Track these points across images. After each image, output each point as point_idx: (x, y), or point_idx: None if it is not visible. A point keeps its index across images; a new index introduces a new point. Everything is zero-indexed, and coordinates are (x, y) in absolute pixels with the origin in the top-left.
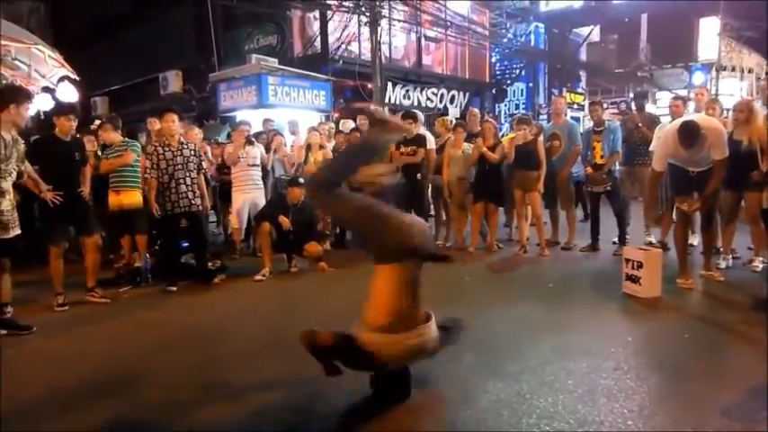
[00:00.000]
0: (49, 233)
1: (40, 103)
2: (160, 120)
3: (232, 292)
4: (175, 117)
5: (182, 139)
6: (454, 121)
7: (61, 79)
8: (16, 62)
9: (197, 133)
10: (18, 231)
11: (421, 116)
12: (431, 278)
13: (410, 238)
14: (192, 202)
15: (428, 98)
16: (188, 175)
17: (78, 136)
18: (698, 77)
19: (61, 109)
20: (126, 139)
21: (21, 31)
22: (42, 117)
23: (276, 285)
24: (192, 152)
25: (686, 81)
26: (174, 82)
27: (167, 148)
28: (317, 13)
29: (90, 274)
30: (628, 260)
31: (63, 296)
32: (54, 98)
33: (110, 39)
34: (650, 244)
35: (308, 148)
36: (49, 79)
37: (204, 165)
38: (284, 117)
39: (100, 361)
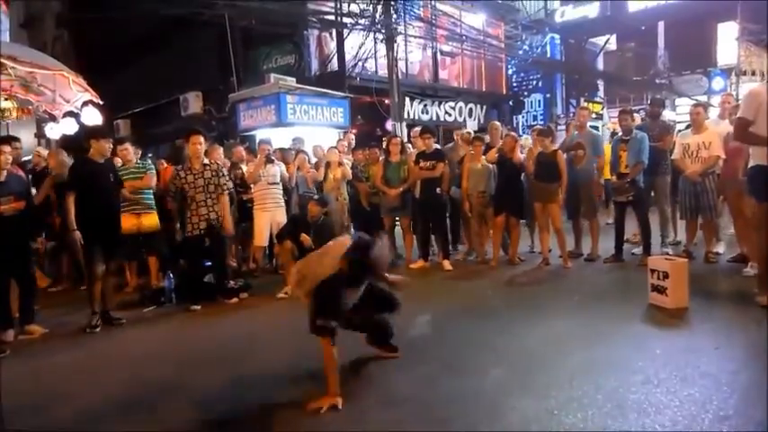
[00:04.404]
0: (90, 256)
1: (65, 128)
2: (186, 142)
3: (256, 310)
4: (201, 139)
5: (205, 161)
6: (473, 134)
7: (85, 103)
8: (41, 88)
9: (220, 153)
10: None
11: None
12: (453, 293)
13: None
14: (213, 222)
15: (446, 112)
16: (208, 197)
17: (110, 158)
18: (717, 83)
19: (98, 131)
20: (140, 161)
21: (45, 58)
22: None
23: (300, 302)
24: (214, 173)
25: (706, 87)
26: (194, 103)
27: (188, 172)
28: (333, 32)
29: (109, 297)
30: (653, 270)
31: (97, 317)
32: (78, 122)
33: (131, 63)
34: (667, 255)
35: (327, 165)
36: (74, 104)
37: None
38: (291, 135)
39: (126, 378)
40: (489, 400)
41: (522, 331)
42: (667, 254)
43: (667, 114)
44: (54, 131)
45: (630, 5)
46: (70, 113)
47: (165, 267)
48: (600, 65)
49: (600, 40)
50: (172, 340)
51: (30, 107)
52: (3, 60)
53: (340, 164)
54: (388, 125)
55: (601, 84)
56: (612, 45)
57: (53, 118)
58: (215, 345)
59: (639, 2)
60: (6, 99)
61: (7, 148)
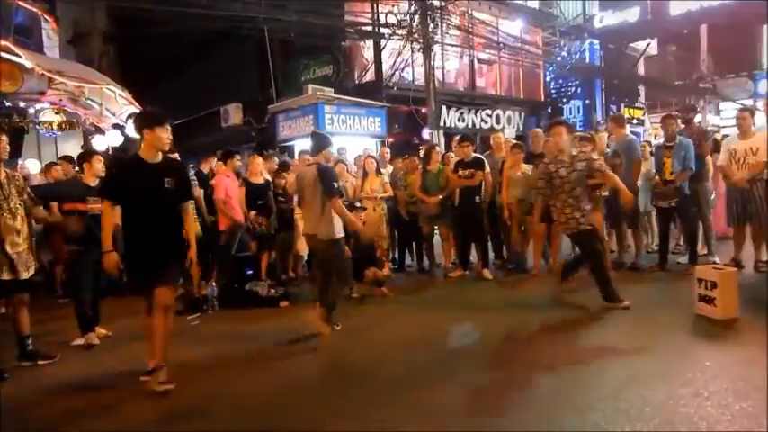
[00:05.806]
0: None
1: (111, 139)
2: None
3: (299, 319)
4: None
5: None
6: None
7: (130, 116)
8: (89, 102)
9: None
10: (33, 272)
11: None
12: (493, 302)
13: None
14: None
15: (482, 120)
16: None
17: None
18: (763, 86)
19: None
20: None
21: (93, 73)
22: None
23: (339, 311)
24: None
25: (751, 90)
26: (234, 114)
27: None
28: (370, 43)
29: None
30: (701, 280)
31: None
32: (123, 134)
33: (173, 76)
34: (714, 263)
35: (365, 175)
36: (119, 116)
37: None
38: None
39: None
40: (537, 410)
41: (566, 341)
42: (714, 263)
43: (712, 119)
44: (101, 143)
45: (672, 8)
46: (116, 126)
47: (206, 276)
48: (641, 69)
49: (640, 45)
50: (218, 351)
51: (77, 120)
52: (53, 75)
53: (379, 173)
54: (425, 134)
55: (642, 89)
56: (653, 49)
57: (100, 130)
58: (260, 353)
59: (681, 3)
60: (56, 113)
61: (101, 159)
